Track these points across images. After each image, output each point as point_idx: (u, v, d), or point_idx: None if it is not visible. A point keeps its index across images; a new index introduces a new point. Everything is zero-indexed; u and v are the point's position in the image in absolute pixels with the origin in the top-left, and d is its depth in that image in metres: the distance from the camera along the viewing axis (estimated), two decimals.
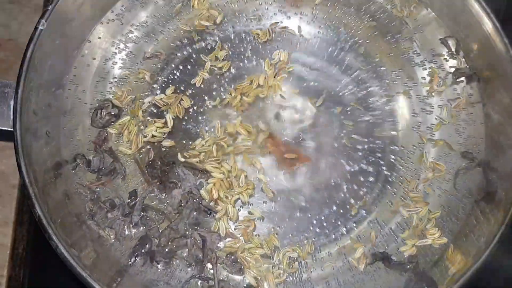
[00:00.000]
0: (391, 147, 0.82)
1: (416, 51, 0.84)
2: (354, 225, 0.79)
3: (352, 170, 0.81)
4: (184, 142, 0.81)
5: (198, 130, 0.81)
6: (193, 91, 0.83)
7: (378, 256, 0.77)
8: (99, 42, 0.82)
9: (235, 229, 0.78)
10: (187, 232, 0.76)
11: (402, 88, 0.84)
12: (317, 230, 0.79)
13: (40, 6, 0.90)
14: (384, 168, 0.81)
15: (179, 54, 0.84)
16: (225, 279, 0.75)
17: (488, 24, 0.77)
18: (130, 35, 0.83)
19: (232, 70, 0.84)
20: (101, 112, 0.79)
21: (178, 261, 0.75)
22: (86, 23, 0.80)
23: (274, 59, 0.84)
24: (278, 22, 0.85)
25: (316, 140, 0.82)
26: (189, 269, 0.75)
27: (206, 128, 0.81)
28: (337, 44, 0.85)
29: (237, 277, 0.76)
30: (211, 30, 0.85)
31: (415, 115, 0.83)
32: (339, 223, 0.79)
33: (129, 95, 0.81)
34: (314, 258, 0.78)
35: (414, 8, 0.84)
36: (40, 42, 0.72)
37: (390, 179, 0.81)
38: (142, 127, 0.80)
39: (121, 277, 0.73)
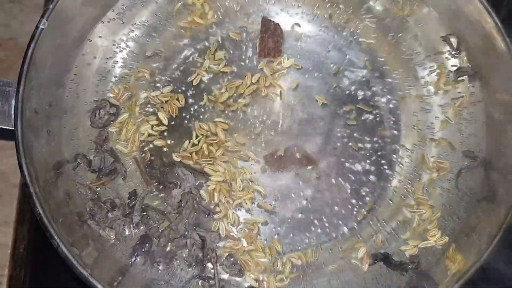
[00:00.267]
0: (393, 146, 0.82)
1: (417, 50, 0.84)
2: (356, 224, 0.79)
3: (354, 169, 0.81)
4: (182, 140, 0.81)
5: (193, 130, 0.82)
6: (194, 91, 0.83)
7: (379, 256, 0.77)
8: (100, 41, 0.81)
9: (237, 232, 0.78)
10: (186, 232, 0.76)
11: (404, 87, 0.84)
12: (319, 230, 0.79)
13: (40, 6, 0.90)
14: (385, 167, 0.81)
15: (180, 54, 0.84)
16: (226, 278, 0.75)
17: (489, 23, 0.76)
18: (131, 34, 0.83)
19: (234, 70, 0.84)
20: (99, 112, 0.79)
21: (178, 261, 0.75)
22: (87, 22, 0.80)
23: (273, 62, 0.84)
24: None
25: (317, 139, 0.82)
26: (189, 269, 0.75)
27: (196, 128, 0.81)
28: (338, 43, 0.85)
29: (238, 278, 0.76)
30: (211, 29, 0.85)
31: (417, 114, 0.83)
32: (340, 222, 0.79)
33: (126, 92, 0.81)
34: (315, 257, 0.78)
35: (415, 7, 0.84)
36: (41, 41, 0.72)
37: (391, 178, 0.81)
38: (140, 126, 0.80)
39: (122, 276, 0.73)
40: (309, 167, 0.81)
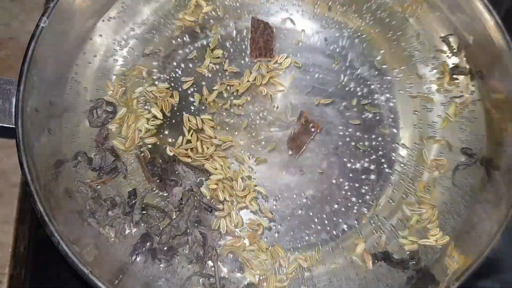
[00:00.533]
0: (393, 145, 0.82)
1: (418, 48, 0.84)
2: (356, 222, 0.80)
3: (353, 167, 0.81)
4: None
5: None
6: (194, 89, 0.83)
7: (379, 256, 0.77)
8: (100, 39, 0.81)
9: (240, 231, 0.78)
10: (187, 230, 0.76)
11: (404, 85, 0.84)
12: (319, 227, 0.79)
13: (41, 5, 0.90)
14: (385, 165, 0.81)
15: (180, 52, 0.84)
16: (226, 276, 0.75)
17: (489, 21, 0.76)
18: (131, 32, 0.83)
19: (233, 68, 0.84)
20: (96, 111, 0.79)
21: (179, 258, 0.75)
22: (88, 21, 0.80)
23: (270, 61, 0.84)
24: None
25: (317, 137, 0.82)
26: (190, 266, 0.75)
27: (185, 120, 0.81)
28: (339, 41, 0.85)
29: (238, 275, 0.76)
30: (211, 27, 0.85)
31: (417, 112, 0.83)
32: (340, 220, 0.79)
33: (121, 88, 0.81)
34: (319, 257, 0.78)
35: (415, 5, 0.84)
36: (42, 40, 0.72)
37: (391, 176, 0.81)
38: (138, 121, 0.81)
39: (122, 274, 0.73)
40: (309, 165, 0.81)
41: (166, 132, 0.81)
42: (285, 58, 0.84)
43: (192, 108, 0.82)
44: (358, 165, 0.81)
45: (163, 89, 0.82)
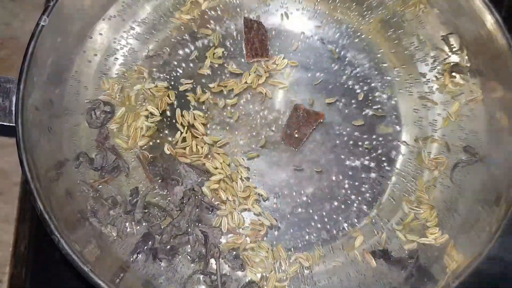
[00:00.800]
0: (393, 143, 0.82)
1: (418, 47, 0.84)
2: (356, 220, 0.80)
3: (354, 165, 0.81)
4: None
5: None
6: (204, 89, 0.83)
7: (378, 254, 0.77)
8: (100, 38, 0.82)
9: (242, 229, 0.78)
10: (189, 229, 0.76)
11: (405, 84, 0.84)
12: (319, 225, 0.79)
13: (41, 4, 0.91)
14: (385, 164, 0.81)
15: (180, 51, 0.84)
16: (228, 273, 0.75)
17: (490, 20, 0.76)
18: (132, 31, 0.83)
19: (236, 69, 0.84)
20: (94, 112, 0.79)
21: (180, 257, 0.75)
22: (88, 19, 0.80)
23: (268, 61, 0.84)
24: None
25: (317, 136, 0.82)
26: (192, 264, 0.75)
27: (177, 115, 0.81)
28: (339, 40, 0.85)
29: (239, 272, 0.76)
30: (211, 26, 0.85)
31: (417, 111, 0.83)
32: (340, 218, 0.79)
33: (117, 86, 0.81)
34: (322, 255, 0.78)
35: (416, 4, 0.84)
36: (42, 38, 0.72)
37: (391, 174, 0.81)
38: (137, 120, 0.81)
39: (123, 272, 0.73)
40: (310, 163, 0.81)
41: (167, 132, 0.81)
42: (283, 59, 0.84)
43: (191, 107, 0.82)
44: (357, 163, 0.81)
45: (161, 88, 0.82)
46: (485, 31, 0.77)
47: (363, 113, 0.83)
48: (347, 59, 0.85)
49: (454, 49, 0.83)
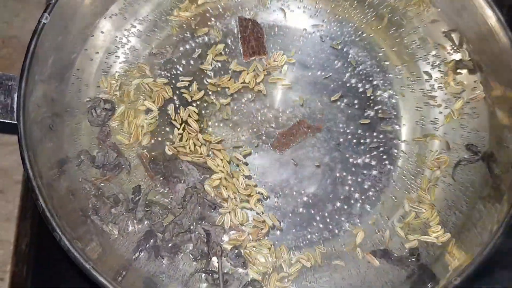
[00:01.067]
0: (395, 141, 0.82)
1: (419, 45, 0.84)
2: (358, 220, 0.79)
3: (356, 163, 0.81)
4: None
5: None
6: (199, 86, 0.83)
7: (379, 253, 0.77)
8: (102, 36, 0.81)
9: (245, 226, 0.78)
10: (191, 227, 0.76)
11: (407, 82, 0.84)
12: (321, 225, 0.79)
13: (42, 3, 0.91)
14: (387, 162, 0.81)
15: (182, 49, 0.84)
16: (230, 272, 0.75)
17: (492, 17, 0.76)
18: (133, 29, 0.83)
19: (239, 67, 0.83)
20: (95, 110, 0.79)
21: (182, 255, 0.75)
22: (89, 17, 0.80)
23: (265, 58, 0.84)
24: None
25: (319, 134, 0.82)
26: (194, 263, 0.75)
27: (170, 109, 0.81)
28: (341, 38, 0.85)
29: (241, 271, 0.76)
30: (212, 24, 0.85)
31: (419, 109, 0.83)
32: (343, 218, 0.79)
33: (115, 83, 0.81)
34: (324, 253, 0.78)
35: (417, 2, 0.84)
36: (43, 36, 0.72)
37: (393, 173, 0.81)
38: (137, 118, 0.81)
39: (125, 270, 0.73)
40: (311, 162, 0.81)
41: (168, 129, 0.81)
42: (282, 55, 0.84)
43: (193, 105, 0.82)
44: (359, 161, 0.81)
45: (159, 84, 0.82)
46: (487, 29, 0.77)
47: (365, 111, 0.83)
48: (349, 57, 0.84)
49: (456, 45, 0.83)
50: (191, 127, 0.80)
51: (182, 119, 0.80)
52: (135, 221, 0.76)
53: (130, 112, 0.80)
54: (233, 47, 0.84)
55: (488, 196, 0.76)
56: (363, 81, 0.84)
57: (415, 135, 0.82)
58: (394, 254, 0.77)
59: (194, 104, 0.82)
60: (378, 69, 0.84)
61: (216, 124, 0.82)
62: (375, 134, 0.82)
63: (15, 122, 0.69)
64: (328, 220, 0.79)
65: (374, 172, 0.81)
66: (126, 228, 0.76)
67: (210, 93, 0.83)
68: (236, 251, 0.76)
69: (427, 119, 0.83)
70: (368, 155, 0.81)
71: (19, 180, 0.84)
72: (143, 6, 0.84)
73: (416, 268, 0.76)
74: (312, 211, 0.79)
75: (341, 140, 0.82)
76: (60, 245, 0.66)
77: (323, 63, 0.84)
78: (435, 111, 0.83)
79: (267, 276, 0.76)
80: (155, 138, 0.80)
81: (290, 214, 0.79)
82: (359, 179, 0.80)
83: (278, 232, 0.78)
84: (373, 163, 0.81)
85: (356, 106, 0.83)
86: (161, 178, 0.78)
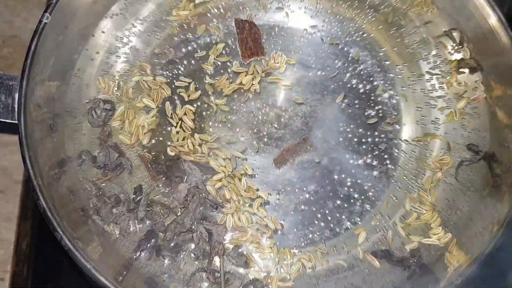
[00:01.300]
0: (395, 141, 0.82)
1: (420, 45, 0.84)
2: (359, 219, 0.79)
3: (356, 163, 0.81)
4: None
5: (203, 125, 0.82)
6: (197, 86, 0.83)
7: (379, 254, 0.77)
8: (103, 36, 0.81)
9: (248, 227, 0.78)
10: (193, 226, 0.76)
11: (407, 82, 0.84)
12: (322, 224, 0.79)
13: (43, 3, 0.91)
14: (388, 162, 0.81)
15: (183, 49, 0.84)
16: (231, 271, 0.75)
17: (492, 17, 0.76)
18: (134, 29, 0.83)
19: (241, 69, 0.83)
20: (95, 111, 0.79)
21: (184, 254, 0.75)
22: (90, 17, 0.80)
23: (263, 58, 0.84)
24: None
25: (320, 134, 0.82)
26: (196, 262, 0.75)
27: (166, 107, 0.81)
28: (341, 38, 0.85)
29: (243, 270, 0.76)
30: (213, 24, 0.85)
31: (420, 109, 0.83)
32: (344, 217, 0.79)
33: (112, 83, 0.81)
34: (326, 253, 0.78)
35: (418, 1, 0.84)
36: (44, 36, 0.72)
37: (394, 173, 0.81)
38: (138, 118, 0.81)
39: (126, 270, 0.73)
40: (312, 161, 0.81)
41: (169, 129, 0.81)
42: (281, 56, 0.84)
43: (195, 105, 0.82)
44: (360, 161, 0.81)
45: (158, 82, 0.81)
46: (488, 28, 0.78)
47: (366, 110, 0.83)
48: (349, 57, 0.84)
49: (457, 44, 0.83)
50: (186, 124, 0.80)
51: (177, 116, 0.80)
52: (136, 221, 0.76)
53: (130, 112, 0.80)
54: (234, 47, 0.84)
55: (489, 196, 0.77)
56: (364, 81, 0.84)
57: (416, 135, 0.82)
58: (395, 255, 0.77)
59: (195, 105, 0.82)
60: (379, 69, 0.84)
61: (216, 124, 0.81)
62: (376, 133, 0.82)
63: (16, 122, 0.69)
64: (329, 218, 0.79)
65: (375, 172, 0.81)
66: (127, 228, 0.76)
67: (209, 93, 0.82)
68: (238, 250, 0.76)
69: (428, 119, 0.83)
70: (369, 155, 0.81)
71: (20, 180, 0.84)
72: (144, 5, 0.84)
73: (417, 268, 0.76)
74: (314, 209, 0.79)
75: (341, 139, 0.82)
76: (61, 245, 0.66)
77: (323, 63, 0.84)
78: (436, 110, 0.83)
79: (269, 275, 0.76)
80: (156, 138, 0.80)
81: (292, 212, 0.79)
82: (359, 179, 0.80)
83: (279, 232, 0.78)
84: (374, 163, 0.81)
85: (357, 106, 0.83)
86: (163, 178, 0.78)
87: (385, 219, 0.79)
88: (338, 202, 0.80)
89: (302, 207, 0.79)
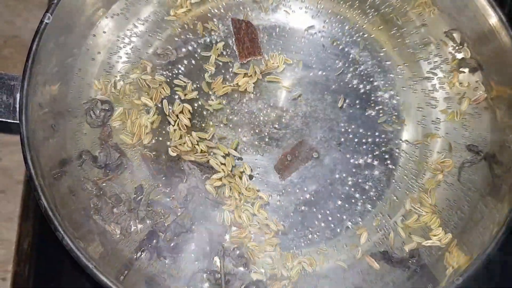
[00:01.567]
0: (396, 141, 0.82)
1: (421, 45, 0.84)
2: (360, 219, 0.79)
3: (357, 163, 0.81)
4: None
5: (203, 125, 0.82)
6: (197, 85, 0.83)
7: (379, 256, 0.77)
8: (104, 36, 0.81)
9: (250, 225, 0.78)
10: (193, 227, 0.76)
11: (408, 82, 0.84)
12: (322, 224, 0.79)
13: (44, 3, 0.91)
14: (388, 162, 0.81)
15: (183, 49, 0.84)
16: (232, 272, 0.75)
17: (493, 17, 0.76)
18: (135, 29, 0.83)
19: (242, 70, 0.83)
20: (93, 112, 0.79)
21: (184, 254, 0.75)
22: (91, 17, 0.80)
23: (263, 58, 0.84)
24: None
25: (320, 134, 0.82)
26: (196, 262, 0.75)
27: (164, 105, 0.82)
28: (342, 38, 0.85)
29: (243, 270, 0.76)
30: (214, 24, 0.85)
31: (421, 109, 0.83)
32: (344, 217, 0.79)
33: (109, 83, 0.81)
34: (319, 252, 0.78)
35: (419, 1, 0.84)
36: (46, 36, 0.71)
37: (395, 173, 0.81)
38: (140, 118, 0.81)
39: (127, 270, 0.73)
40: (313, 161, 0.81)
41: (169, 129, 0.81)
42: (279, 55, 0.84)
43: (196, 105, 0.82)
44: (361, 161, 0.81)
45: (155, 80, 0.82)
46: (489, 28, 0.77)
47: (366, 112, 0.83)
48: (350, 57, 0.84)
49: (458, 44, 0.83)
50: (182, 123, 0.80)
51: (174, 113, 0.80)
52: (137, 220, 0.76)
53: (132, 112, 0.80)
54: (234, 48, 0.84)
55: (490, 196, 0.76)
56: (364, 81, 0.84)
57: (416, 135, 0.82)
58: (394, 256, 0.77)
59: (196, 105, 0.82)
60: (380, 69, 0.84)
61: (217, 124, 0.82)
62: (376, 134, 0.82)
63: (18, 121, 0.69)
64: (330, 218, 0.79)
65: (376, 172, 0.81)
66: (128, 228, 0.76)
67: (205, 94, 0.83)
68: (238, 251, 0.76)
69: (429, 119, 0.83)
70: (370, 155, 0.81)
71: (21, 180, 0.84)
72: (144, 6, 0.84)
73: (417, 268, 0.76)
74: (314, 209, 0.79)
75: (342, 140, 0.82)
76: (62, 244, 0.66)
77: (324, 63, 0.84)
78: (437, 111, 0.83)
79: (269, 276, 0.76)
80: (157, 138, 0.80)
81: (292, 214, 0.79)
82: (360, 179, 0.80)
83: (279, 232, 0.78)
84: (375, 163, 0.81)
85: (358, 106, 0.83)
86: (163, 178, 0.78)
87: (386, 219, 0.79)
88: (339, 202, 0.80)
89: (303, 207, 0.79)
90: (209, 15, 0.85)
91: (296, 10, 0.86)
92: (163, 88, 0.81)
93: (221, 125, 0.82)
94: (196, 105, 0.82)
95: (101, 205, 0.76)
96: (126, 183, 0.78)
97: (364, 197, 0.80)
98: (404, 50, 0.84)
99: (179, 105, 0.81)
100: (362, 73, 0.84)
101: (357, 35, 0.85)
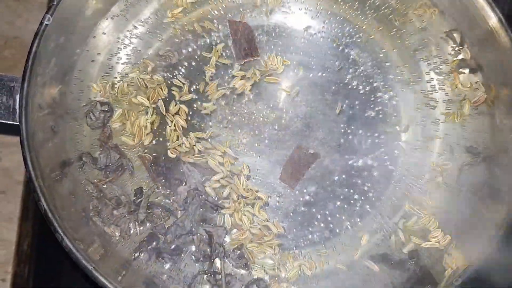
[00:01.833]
0: (395, 142, 0.82)
1: (420, 46, 0.84)
2: (359, 220, 0.79)
3: (356, 165, 0.81)
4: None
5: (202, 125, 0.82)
6: (197, 87, 0.83)
7: (377, 258, 0.77)
8: (104, 37, 0.81)
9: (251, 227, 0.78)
10: (193, 229, 0.76)
11: (408, 83, 0.84)
12: (322, 224, 0.79)
13: (44, 4, 0.91)
14: (388, 163, 0.81)
15: (184, 51, 0.84)
16: (232, 273, 0.76)
17: (493, 18, 0.76)
18: (135, 30, 0.83)
19: (241, 72, 0.83)
20: (93, 113, 0.79)
21: (185, 256, 0.76)
22: (91, 18, 0.80)
23: (260, 59, 0.84)
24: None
25: (320, 135, 0.82)
26: (197, 264, 0.76)
27: (160, 105, 0.82)
28: (342, 39, 0.85)
29: (243, 272, 0.76)
30: (214, 25, 0.85)
31: (420, 110, 0.83)
32: (343, 217, 0.79)
33: (107, 84, 0.81)
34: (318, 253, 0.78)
35: (418, 2, 0.84)
36: (46, 37, 0.72)
37: (394, 174, 0.81)
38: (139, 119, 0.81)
39: (126, 271, 0.73)
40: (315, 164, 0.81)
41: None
42: (277, 56, 0.84)
43: (195, 106, 0.82)
44: (360, 162, 0.81)
45: (154, 80, 0.82)
46: (488, 29, 0.77)
47: (365, 113, 0.83)
48: (349, 58, 0.84)
49: (457, 47, 0.83)
50: (178, 124, 0.80)
51: (170, 113, 0.81)
52: (136, 223, 0.76)
53: (131, 113, 0.80)
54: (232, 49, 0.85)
55: (489, 197, 0.77)
56: (364, 82, 0.84)
57: (416, 136, 0.82)
58: (393, 258, 0.77)
59: (195, 106, 0.82)
60: (379, 70, 0.84)
61: (217, 124, 0.82)
62: (376, 134, 0.82)
63: (18, 123, 0.69)
64: (329, 219, 0.79)
65: (375, 173, 0.81)
66: (128, 230, 0.76)
67: (201, 96, 0.83)
68: (238, 252, 0.76)
69: (428, 120, 0.83)
70: (369, 156, 0.81)
71: (21, 180, 0.84)
72: (145, 7, 0.84)
73: (416, 270, 0.76)
74: (314, 210, 0.79)
75: (341, 141, 0.82)
76: (62, 246, 0.66)
77: (324, 65, 0.84)
78: (436, 112, 0.83)
79: (269, 277, 0.76)
80: (157, 139, 0.80)
81: (291, 214, 0.79)
82: (359, 180, 0.81)
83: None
84: (375, 164, 0.81)
85: (357, 107, 0.83)
86: (163, 180, 0.78)
87: (385, 220, 0.80)
88: (338, 203, 0.80)
89: (302, 208, 0.79)
90: (209, 16, 0.85)
91: (295, 11, 0.86)
92: (161, 88, 0.81)
93: (220, 125, 0.82)
94: (195, 106, 0.82)
95: (101, 207, 0.76)
96: (126, 185, 0.78)
97: (363, 198, 0.80)
98: (404, 51, 0.85)
99: (175, 105, 0.81)
100: (361, 74, 0.84)
101: (356, 36, 0.85)
